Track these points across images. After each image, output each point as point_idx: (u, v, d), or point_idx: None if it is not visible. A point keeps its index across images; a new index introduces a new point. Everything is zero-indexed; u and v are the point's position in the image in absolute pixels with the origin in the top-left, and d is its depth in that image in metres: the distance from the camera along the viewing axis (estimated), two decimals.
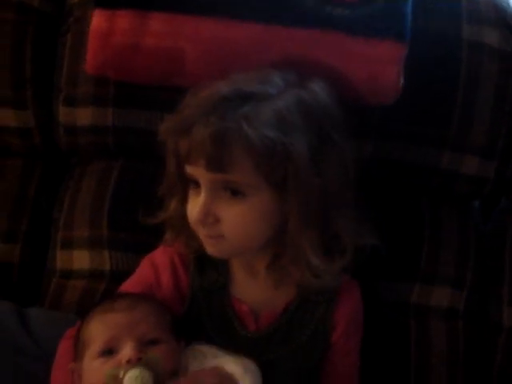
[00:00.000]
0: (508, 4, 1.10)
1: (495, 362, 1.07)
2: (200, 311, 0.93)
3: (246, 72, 0.89)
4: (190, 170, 0.85)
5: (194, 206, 0.86)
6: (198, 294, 0.93)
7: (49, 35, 1.12)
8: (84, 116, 1.08)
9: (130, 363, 0.81)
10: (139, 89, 1.05)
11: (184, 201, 0.89)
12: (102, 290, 1.06)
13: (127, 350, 0.82)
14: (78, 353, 0.88)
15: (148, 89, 1.04)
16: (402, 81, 0.99)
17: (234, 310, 0.93)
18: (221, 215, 0.84)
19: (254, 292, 0.93)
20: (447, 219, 1.10)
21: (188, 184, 0.88)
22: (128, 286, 0.96)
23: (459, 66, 1.04)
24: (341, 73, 0.97)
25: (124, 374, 0.80)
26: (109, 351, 0.84)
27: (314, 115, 0.86)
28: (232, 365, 0.87)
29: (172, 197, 0.92)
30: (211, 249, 0.88)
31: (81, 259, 1.09)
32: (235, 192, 0.83)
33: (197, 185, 0.86)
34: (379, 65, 0.97)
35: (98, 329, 0.86)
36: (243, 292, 0.93)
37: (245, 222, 0.84)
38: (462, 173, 1.07)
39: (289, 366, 0.93)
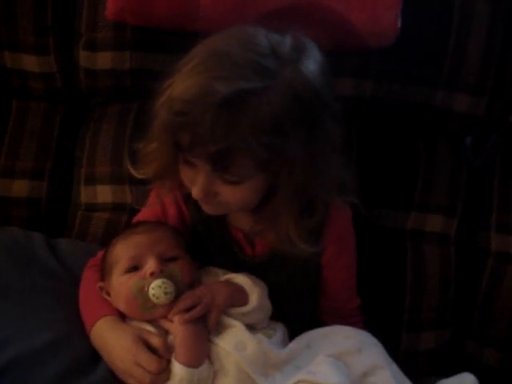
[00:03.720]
0: None
1: (482, 284, 1.17)
2: (203, 241, 1.01)
3: (238, 38, 0.86)
4: (190, 157, 0.87)
5: (191, 181, 0.89)
6: (198, 225, 1.01)
7: None
8: (103, 60, 1.15)
9: (154, 275, 0.91)
10: (155, 33, 1.12)
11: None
12: (124, 222, 1.16)
13: (150, 264, 0.92)
14: (105, 273, 0.98)
15: (163, 33, 1.11)
16: (399, 23, 1.06)
17: (232, 236, 1.00)
18: (220, 192, 0.89)
19: (247, 223, 0.99)
20: (441, 154, 1.18)
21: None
22: (140, 217, 1.05)
23: (452, 10, 1.11)
24: (342, 17, 1.04)
25: (149, 285, 0.90)
26: (134, 267, 0.94)
27: (308, 106, 0.84)
28: (242, 278, 0.97)
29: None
30: (207, 210, 0.94)
31: (104, 193, 1.18)
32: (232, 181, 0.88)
33: (193, 164, 0.88)
34: (379, 8, 1.04)
35: (123, 249, 0.96)
36: (237, 220, 1.00)
37: (241, 197, 0.90)
38: (454, 110, 1.15)
39: (288, 288, 1.01)
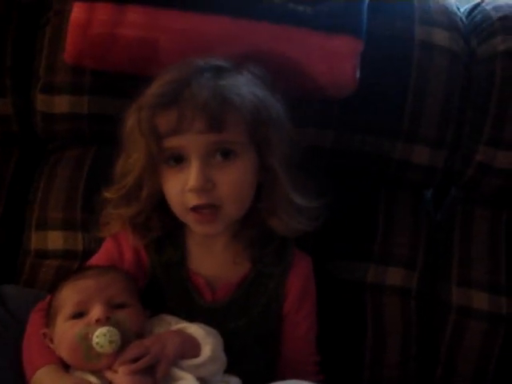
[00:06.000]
0: (457, 8, 1.19)
1: (445, 339, 1.14)
2: (160, 286, 0.98)
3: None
4: (176, 142, 0.89)
5: (181, 183, 0.89)
6: (156, 270, 0.98)
7: (29, 27, 1.17)
8: (61, 103, 1.14)
9: (99, 322, 0.87)
10: (114, 78, 1.11)
11: (153, 189, 0.94)
12: (75, 269, 1.10)
13: (96, 311, 0.88)
14: (50, 319, 0.93)
15: (122, 78, 1.10)
16: (358, 74, 1.06)
17: (192, 282, 0.98)
18: (216, 180, 0.89)
19: (210, 266, 0.98)
20: (401, 206, 1.17)
21: (159, 168, 0.92)
22: (94, 261, 1.01)
23: (411, 63, 1.12)
24: (302, 66, 1.05)
25: (93, 332, 0.85)
26: (79, 314, 0.89)
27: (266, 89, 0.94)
28: (195, 328, 0.92)
29: (140, 188, 0.95)
30: (204, 227, 0.92)
31: (55, 240, 1.14)
32: (227, 153, 0.90)
33: (177, 161, 0.90)
34: (337, 59, 1.05)
35: (69, 294, 0.92)
36: (199, 266, 0.98)
37: (239, 183, 0.91)
38: (413, 162, 1.14)
39: (247, 335, 0.98)
